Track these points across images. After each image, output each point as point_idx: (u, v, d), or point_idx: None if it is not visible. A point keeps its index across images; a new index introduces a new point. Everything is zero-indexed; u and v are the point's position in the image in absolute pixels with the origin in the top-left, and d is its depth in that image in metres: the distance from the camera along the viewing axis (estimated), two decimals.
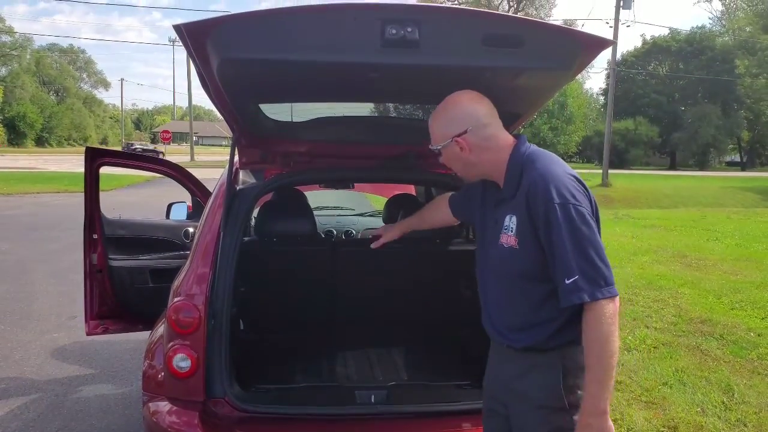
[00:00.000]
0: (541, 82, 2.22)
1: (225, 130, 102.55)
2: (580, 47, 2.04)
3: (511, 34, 1.98)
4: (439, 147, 2.05)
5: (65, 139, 77.60)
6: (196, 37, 1.93)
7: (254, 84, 2.26)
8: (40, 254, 9.85)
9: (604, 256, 1.86)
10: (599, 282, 1.83)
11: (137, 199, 18.52)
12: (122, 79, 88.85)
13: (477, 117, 1.99)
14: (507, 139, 2.04)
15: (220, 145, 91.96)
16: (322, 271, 3.70)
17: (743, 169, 54.44)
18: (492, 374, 2.20)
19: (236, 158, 3.05)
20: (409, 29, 1.90)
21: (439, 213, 2.64)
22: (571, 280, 1.82)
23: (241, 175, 3.23)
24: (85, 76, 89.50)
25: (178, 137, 69.88)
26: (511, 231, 1.96)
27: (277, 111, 2.77)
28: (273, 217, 3.51)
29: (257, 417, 2.63)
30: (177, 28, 1.89)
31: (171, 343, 2.59)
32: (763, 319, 6.59)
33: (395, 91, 2.62)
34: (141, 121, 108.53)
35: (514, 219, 1.96)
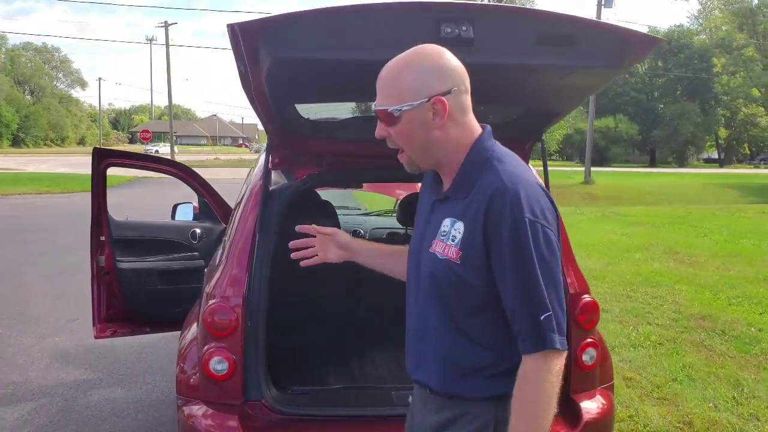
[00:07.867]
0: (590, 80, 2.22)
1: (204, 130, 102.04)
2: (632, 46, 2.04)
3: (564, 33, 1.98)
4: (402, 108, 1.49)
5: (42, 140, 76.44)
6: (249, 37, 1.90)
7: (301, 83, 2.24)
8: (29, 257, 9.68)
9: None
10: (564, 327, 1.45)
11: (123, 199, 18.28)
12: (100, 79, 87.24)
13: (463, 77, 1.52)
14: (475, 122, 1.58)
15: (199, 145, 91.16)
16: (345, 272, 3.67)
17: (721, 166, 55.24)
18: (411, 421, 1.80)
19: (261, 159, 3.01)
20: (464, 28, 1.88)
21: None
22: (545, 315, 1.42)
23: (273, 176, 3.20)
24: (61, 75, 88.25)
25: (157, 137, 69.24)
26: (452, 240, 1.50)
27: (311, 110, 2.74)
28: (297, 217, 3.47)
29: (295, 419, 2.60)
30: (231, 27, 1.86)
31: (207, 346, 2.55)
32: (761, 314, 6.69)
33: None
34: (119, 120, 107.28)
35: (459, 227, 1.49)
